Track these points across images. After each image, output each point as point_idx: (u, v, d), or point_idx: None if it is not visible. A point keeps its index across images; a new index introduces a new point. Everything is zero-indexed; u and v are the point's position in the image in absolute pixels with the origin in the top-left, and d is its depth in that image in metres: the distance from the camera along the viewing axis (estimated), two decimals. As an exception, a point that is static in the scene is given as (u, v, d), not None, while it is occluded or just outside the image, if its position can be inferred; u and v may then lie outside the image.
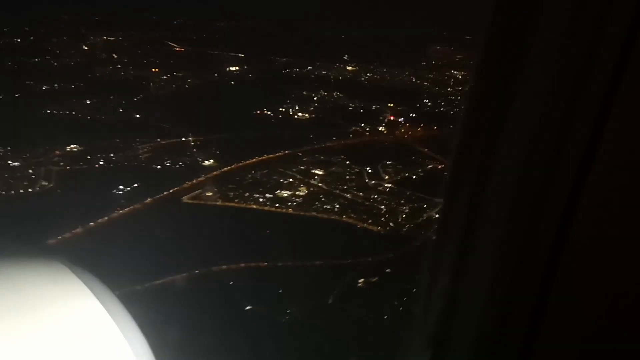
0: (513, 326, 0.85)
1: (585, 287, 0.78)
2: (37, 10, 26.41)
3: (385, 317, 11.54)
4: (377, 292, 12.31)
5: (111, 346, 0.79)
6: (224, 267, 12.29)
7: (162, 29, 26.43)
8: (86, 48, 23.76)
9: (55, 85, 20.10)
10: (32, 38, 24.23)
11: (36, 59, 22.41)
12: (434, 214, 14.92)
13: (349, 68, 23.37)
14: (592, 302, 0.78)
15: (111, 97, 19.51)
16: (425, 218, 14.79)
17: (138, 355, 0.81)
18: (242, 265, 12.22)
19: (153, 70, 21.95)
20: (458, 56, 25.14)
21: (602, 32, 0.70)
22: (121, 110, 18.81)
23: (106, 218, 13.59)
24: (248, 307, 11.17)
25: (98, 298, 0.82)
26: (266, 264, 12.30)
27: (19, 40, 24.30)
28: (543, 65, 0.74)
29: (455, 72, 22.81)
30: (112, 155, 16.10)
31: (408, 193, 15.67)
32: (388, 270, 12.67)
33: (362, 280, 12.41)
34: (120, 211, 13.76)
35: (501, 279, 0.83)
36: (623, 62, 0.69)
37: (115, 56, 23.30)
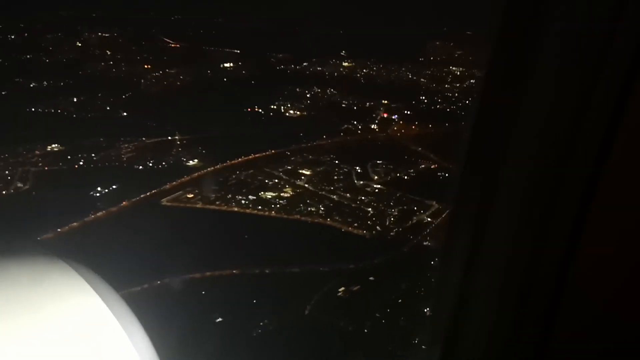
0: (525, 327, 0.81)
1: (598, 287, 0.75)
2: (34, 5, 25.66)
3: (365, 329, 10.60)
4: (358, 301, 11.36)
5: (114, 344, 0.79)
6: (197, 275, 11.40)
7: (159, 25, 25.55)
8: (80, 44, 22.96)
9: (45, 82, 19.32)
10: (26, 34, 23.47)
11: (28, 56, 21.64)
12: (425, 217, 13.92)
13: (345, 64, 22.36)
14: (605, 302, 0.75)
15: (99, 94, 18.68)
16: (414, 221, 13.80)
17: (141, 353, 0.81)
18: (217, 273, 11.35)
19: (145, 66, 21.09)
20: (457, 52, 24.04)
21: (615, 30, 0.67)
22: (108, 108, 17.97)
23: (79, 222, 12.77)
24: (219, 319, 10.30)
25: (101, 297, 0.81)
26: (242, 271, 11.44)
27: (13, 36, 23.57)
28: (554, 66, 0.72)
29: (453, 68, 21.74)
30: (93, 155, 15.26)
31: (398, 194, 14.70)
32: (371, 278, 11.73)
33: (342, 288, 11.50)
34: (95, 215, 12.94)
35: (513, 280, 0.80)
36: (635, 62, 0.66)
37: (109, 52, 22.47)
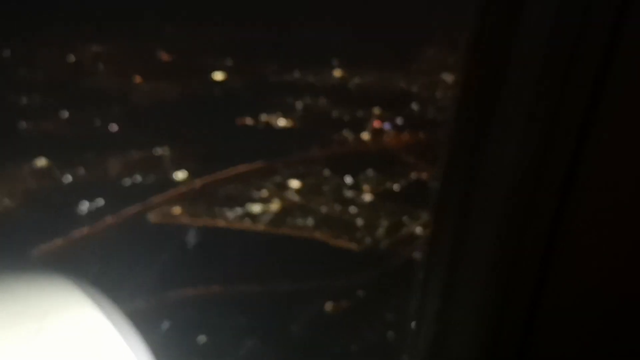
0: (506, 336, 0.81)
1: (576, 302, 0.75)
2: (29, 21, 25.38)
3: (354, 348, 10.20)
4: (347, 318, 10.97)
5: (117, 354, 0.73)
6: (179, 293, 11.03)
7: (153, 37, 25.18)
8: (73, 59, 22.68)
9: (36, 98, 19.02)
10: (20, 51, 23.19)
11: (21, 72, 21.36)
12: (416, 229, 13.54)
13: (337, 73, 21.98)
14: (584, 315, 0.76)
15: (90, 109, 18.39)
16: (405, 233, 13.42)
17: None
18: (200, 291, 10.98)
19: (137, 80, 20.76)
20: (451, 58, 23.65)
21: (586, 31, 0.67)
22: (98, 123, 17.66)
23: (63, 240, 12.45)
24: (201, 339, 9.92)
25: (103, 311, 0.77)
26: (226, 289, 11.06)
27: (8, 53, 23.29)
28: (527, 67, 0.72)
29: (446, 75, 21.37)
30: (81, 171, 14.94)
31: (388, 205, 14.32)
32: (360, 293, 11.35)
33: (330, 305, 11.10)
34: (79, 233, 12.61)
35: (493, 289, 0.81)
36: (608, 61, 0.67)
37: (101, 67, 22.18)
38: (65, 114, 17.78)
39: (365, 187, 14.48)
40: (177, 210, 13.28)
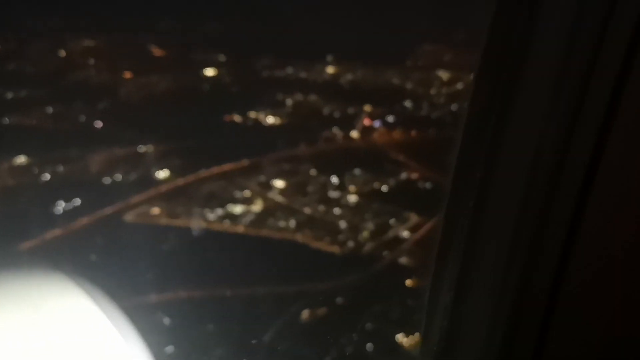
0: (520, 342, 0.79)
1: (590, 313, 0.73)
2: (21, 15, 24.86)
3: (329, 358, 9.62)
4: (323, 326, 10.40)
5: (113, 347, 0.77)
6: (151, 297, 10.49)
7: (146, 32, 24.63)
8: (64, 53, 22.15)
9: (22, 93, 18.53)
10: (11, 44, 22.71)
11: (11, 66, 20.87)
12: (402, 231, 12.95)
13: (330, 69, 21.34)
14: (599, 320, 0.73)
15: (76, 104, 17.87)
16: (391, 236, 12.82)
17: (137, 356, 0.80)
18: (172, 295, 10.44)
19: (127, 75, 20.20)
20: (447, 55, 22.97)
21: (607, 32, 0.65)
22: (83, 118, 17.14)
23: (35, 240, 11.94)
24: (168, 348, 9.36)
25: (98, 305, 0.81)
26: (199, 293, 10.51)
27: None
28: (545, 68, 0.70)
29: (442, 72, 20.70)
30: (60, 168, 14.42)
31: (375, 206, 13.73)
32: (339, 299, 10.77)
33: (307, 312, 10.54)
34: (52, 232, 12.10)
35: (506, 295, 0.79)
36: (628, 63, 0.65)
37: (92, 61, 21.64)
38: (50, 109, 17.26)
39: (352, 187, 13.88)
40: (155, 210, 12.73)
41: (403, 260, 11.64)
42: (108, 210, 12.56)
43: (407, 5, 25.34)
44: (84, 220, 12.08)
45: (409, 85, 19.81)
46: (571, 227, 0.72)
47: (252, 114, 17.65)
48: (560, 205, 0.73)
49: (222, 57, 21.99)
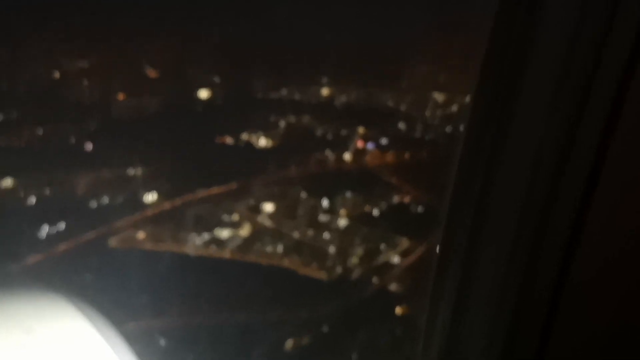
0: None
1: (590, 332, 0.74)
2: (17, 35, 24.81)
3: (311, 390, 9.30)
4: (307, 356, 10.07)
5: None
6: (129, 325, 10.15)
7: (142, 50, 24.58)
8: (57, 74, 22.03)
9: (14, 114, 18.35)
10: (5, 64, 22.58)
11: (3, 87, 20.70)
12: (392, 256, 12.66)
13: (325, 89, 21.15)
14: (603, 324, 0.74)
15: (67, 125, 17.68)
16: (381, 261, 12.52)
17: None
18: (150, 323, 10.12)
19: (120, 94, 20.05)
20: (442, 76, 22.75)
21: (610, 33, 0.65)
22: (73, 139, 16.93)
23: (17, 266, 11.66)
24: (146, 379, 9.05)
25: (92, 324, 0.83)
26: (181, 321, 10.19)
27: (-6, 67, 22.70)
28: (547, 71, 0.70)
29: (436, 93, 20.48)
30: (46, 190, 14.18)
31: (365, 230, 13.44)
32: (324, 328, 10.44)
33: (290, 341, 10.19)
34: (34, 258, 11.83)
35: (505, 315, 0.79)
36: (633, 63, 0.66)
37: (85, 80, 21.51)
38: (40, 130, 17.07)
39: (342, 210, 13.61)
40: (141, 234, 12.46)
41: (393, 286, 11.33)
42: (92, 234, 12.29)
43: (401, 26, 25.24)
44: (66, 245, 11.81)
45: (403, 107, 19.61)
46: (569, 245, 0.70)
47: (245, 136, 17.45)
48: (559, 223, 0.71)
49: (215, 77, 21.88)
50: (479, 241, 0.80)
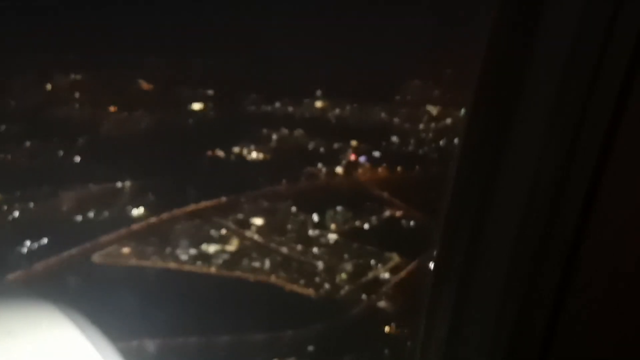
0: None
1: (594, 331, 0.71)
2: (10, 48, 24.54)
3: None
4: (292, 377, 9.69)
5: None
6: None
7: (136, 66, 24.33)
8: (49, 88, 21.80)
9: (1, 128, 18.08)
10: (-3, 78, 22.35)
11: (-7, 101, 20.45)
12: (382, 273, 12.29)
13: (319, 104, 20.92)
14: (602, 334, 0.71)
15: (55, 139, 17.42)
16: (370, 278, 12.17)
17: None
18: (130, 343, 9.75)
19: (111, 109, 19.79)
20: (436, 90, 22.52)
21: (612, 35, 0.64)
22: (61, 154, 16.65)
23: (-5, 282, 11.32)
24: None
25: (83, 333, 0.81)
26: (162, 340, 9.81)
27: (-16, 80, 22.44)
28: (548, 76, 0.67)
29: (430, 107, 20.24)
30: (31, 205, 13.88)
31: (355, 246, 13.11)
32: (310, 347, 10.06)
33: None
34: (14, 274, 11.48)
35: (502, 336, 0.76)
36: (635, 66, 0.63)
37: (77, 95, 21.27)
38: (28, 144, 16.77)
39: (332, 225, 13.28)
40: (125, 250, 12.12)
41: (382, 304, 10.97)
42: (75, 250, 11.95)
43: (395, 41, 25.03)
44: (48, 261, 11.46)
45: (396, 121, 19.34)
46: (568, 263, 0.67)
47: (236, 149, 17.17)
48: (557, 248, 0.68)
49: (208, 91, 21.63)
50: (474, 263, 0.77)
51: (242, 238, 12.63)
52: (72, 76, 22.70)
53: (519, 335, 0.77)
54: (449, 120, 19.31)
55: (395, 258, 12.14)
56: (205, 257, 11.95)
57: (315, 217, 13.49)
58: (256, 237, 12.76)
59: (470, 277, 0.80)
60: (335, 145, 18.17)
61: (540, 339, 0.75)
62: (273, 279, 11.42)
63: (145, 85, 23.25)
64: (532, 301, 0.75)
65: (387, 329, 10.15)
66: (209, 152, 17.08)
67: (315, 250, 12.29)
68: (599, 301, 0.71)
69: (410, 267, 11.94)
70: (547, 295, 0.73)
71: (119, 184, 14.79)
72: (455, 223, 0.82)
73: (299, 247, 12.40)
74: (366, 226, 13.36)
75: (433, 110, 20.23)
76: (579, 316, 0.73)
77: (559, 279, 0.72)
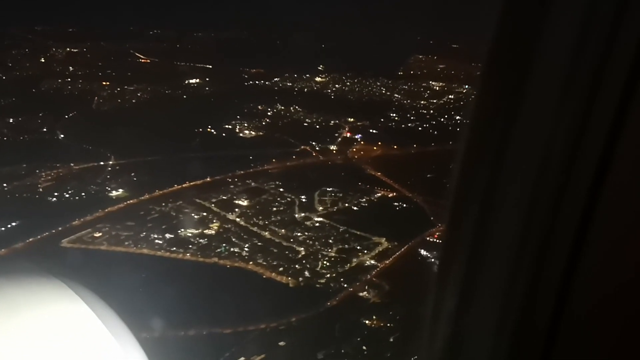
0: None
1: (597, 327, 0.70)
2: (8, 20, 23.80)
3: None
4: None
5: (101, 345, 0.80)
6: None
7: (135, 39, 23.52)
8: (43, 60, 21.03)
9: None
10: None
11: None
12: (367, 259, 11.37)
13: (318, 79, 19.92)
14: (605, 332, 0.70)
15: (42, 114, 16.65)
16: (354, 264, 11.25)
17: (129, 353, 0.83)
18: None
19: (104, 83, 18.99)
20: (440, 66, 21.36)
21: (616, 36, 0.63)
22: (45, 129, 15.89)
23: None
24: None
25: (88, 304, 0.86)
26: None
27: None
28: (552, 73, 0.67)
29: (433, 83, 19.15)
30: (5, 185, 13.14)
31: (341, 229, 12.19)
32: (282, 343, 9.23)
33: (243, 358, 9.00)
34: (-20, 258, 10.79)
35: (511, 308, 0.74)
36: (638, 66, 0.63)
37: (71, 69, 20.49)
38: (10, 120, 16.01)
39: (320, 207, 12.38)
40: (97, 234, 11.35)
41: (364, 294, 10.10)
42: (48, 232, 11.22)
43: (398, 16, 23.95)
44: (17, 245, 10.74)
45: (396, 96, 18.30)
46: (570, 263, 0.65)
47: (228, 126, 16.27)
48: (559, 250, 0.66)
49: (207, 66, 20.75)
50: (479, 259, 0.71)
51: (223, 221, 11.80)
52: (69, 48, 21.94)
53: (520, 336, 0.71)
54: (450, 96, 18.19)
55: (384, 242, 11.24)
56: (182, 242, 11.15)
57: (303, 198, 12.60)
58: (238, 219, 11.92)
59: (471, 278, 0.73)
60: (332, 122, 17.12)
61: (542, 339, 0.68)
62: (251, 265, 10.59)
63: (142, 58, 22.43)
64: (534, 300, 0.69)
65: (367, 321, 9.33)
66: (200, 129, 16.14)
67: (298, 234, 11.42)
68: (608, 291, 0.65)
69: (399, 253, 11.05)
70: (548, 295, 0.67)
71: (100, 163, 14.03)
72: (458, 223, 0.75)
73: (282, 231, 11.54)
74: (355, 207, 12.44)
75: (435, 85, 19.13)
76: (581, 319, 0.67)
77: (559, 280, 0.67)
